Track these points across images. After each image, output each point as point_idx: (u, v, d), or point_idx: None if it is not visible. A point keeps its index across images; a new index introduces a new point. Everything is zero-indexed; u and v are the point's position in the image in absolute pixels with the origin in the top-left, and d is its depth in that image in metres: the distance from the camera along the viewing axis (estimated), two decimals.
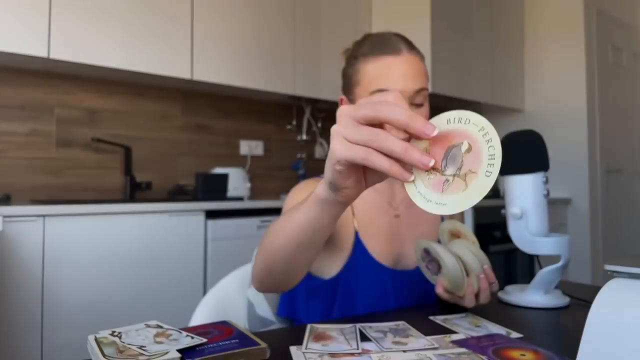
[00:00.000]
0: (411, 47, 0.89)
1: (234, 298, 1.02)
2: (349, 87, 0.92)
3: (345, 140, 0.45)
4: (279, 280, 0.67)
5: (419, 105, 0.87)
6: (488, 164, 0.43)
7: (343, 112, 0.46)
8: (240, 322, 1.02)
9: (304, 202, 0.58)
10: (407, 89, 0.84)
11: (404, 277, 0.91)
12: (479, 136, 0.44)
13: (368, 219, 0.91)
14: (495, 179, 0.43)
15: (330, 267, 0.90)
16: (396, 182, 0.95)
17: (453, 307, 0.84)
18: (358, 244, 0.89)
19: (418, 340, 0.65)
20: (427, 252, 0.79)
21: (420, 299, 0.91)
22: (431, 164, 0.44)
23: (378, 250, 0.90)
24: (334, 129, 0.47)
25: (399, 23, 3.05)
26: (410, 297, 0.90)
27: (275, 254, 0.64)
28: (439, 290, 0.78)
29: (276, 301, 0.98)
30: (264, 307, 0.96)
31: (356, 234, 0.90)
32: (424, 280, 0.89)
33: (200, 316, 0.95)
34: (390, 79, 0.85)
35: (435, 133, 0.43)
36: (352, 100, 0.92)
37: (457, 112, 0.46)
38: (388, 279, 0.89)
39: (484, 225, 2.70)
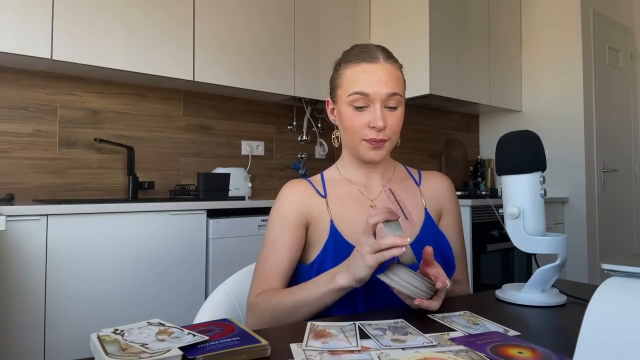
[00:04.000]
0: (389, 56, 0.97)
1: (244, 293, 1.04)
2: (333, 90, 1.02)
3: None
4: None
5: (393, 109, 0.95)
6: None
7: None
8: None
9: (315, 288, 0.85)
10: (380, 92, 0.93)
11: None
12: None
13: (343, 208, 0.98)
14: None
15: (310, 256, 0.97)
16: (373, 177, 1.04)
17: (451, 306, 0.85)
18: (333, 231, 0.95)
19: (417, 337, 0.66)
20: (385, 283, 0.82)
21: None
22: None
23: (353, 236, 0.95)
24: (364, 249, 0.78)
25: (398, 26, 3.06)
26: (382, 282, 0.91)
27: (292, 322, 0.85)
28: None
29: None
30: None
31: (331, 222, 0.96)
32: None
33: (209, 310, 0.98)
34: (366, 82, 0.93)
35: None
36: (335, 102, 1.01)
37: None
38: None
39: (481, 224, 2.70)
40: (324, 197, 1.00)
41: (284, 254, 0.95)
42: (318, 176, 1.06)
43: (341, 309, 0.90)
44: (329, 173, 1.06)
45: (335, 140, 1.05)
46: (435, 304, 0.79)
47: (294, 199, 0.99)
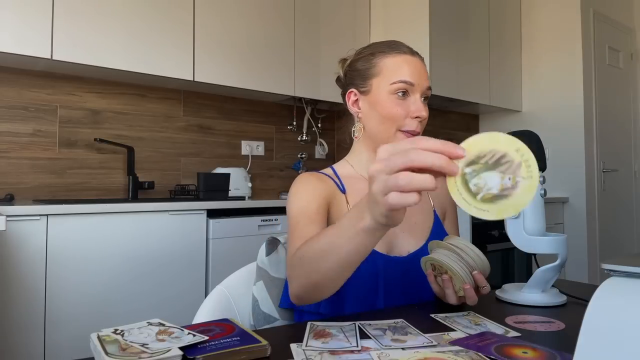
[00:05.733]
0: (419, 55, 1.00)
1: (241, 294, 1.03)
2: (363, 80, 0.98)
3: (390, 190, 0.50)
4: (321, 295, 0.74)
5: (427, 99, 0.98)
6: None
7: (377, 167, 0.52)
8: (246, 317, 1.03)
9: (339, 228, 0.64)
10: (423, 84, 0.95)
11: (396, 264, 0.93)
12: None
13: None
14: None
15: None
16: None
17: (454, 306, 0.84)
18: None
19: (417, 337, 0.66)
20: (434, 266, 0.82)
21: (409, 285, 0.92)
22: (463, 152, 0.48)
23: None
24: (375, 179, 0.52)
25: (398, 25, 3.06)
26: (400, 284, 0.91)
27: (321, 278, 0.69)
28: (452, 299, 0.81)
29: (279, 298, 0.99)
30: (268, 303, 0.97)
31: None
32: (415, 268, 0.91)
33: (206, 312, 0.97)
34: (410, 72, 0.94)
35: (463, 153, 0.48)
36: (364, 92, 0.98)
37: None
38: (380, 263, 0.91)
39: (481, 224, 2.70)
40: (344, 192, 0.97)
41: (320, 217, 0.89)
42: (330, 170, 1.02)
43: (360, 286, 0.89)
44: (341, 168, 1.02)
45: (356, 134, 1.01)
46: (476, 297, 0.77)
47: (318, 183, 0.93)
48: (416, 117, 0.93)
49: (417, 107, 0.93)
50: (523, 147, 0.48)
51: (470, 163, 0.49)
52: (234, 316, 1.01)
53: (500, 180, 0.48)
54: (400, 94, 0.93)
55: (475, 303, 0.78)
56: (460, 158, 0.48)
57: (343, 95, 1.04)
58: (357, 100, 1.00)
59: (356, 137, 1.01)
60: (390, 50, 0.96)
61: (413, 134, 0.94)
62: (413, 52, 0.97)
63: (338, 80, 1.07)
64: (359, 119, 1.00)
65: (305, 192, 0.91)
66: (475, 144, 0.49)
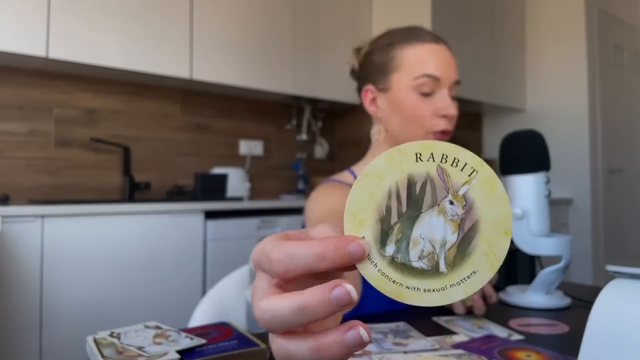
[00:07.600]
0: (444, 41, 0.87)
1: (234, 298, 1.01)
2: (382, 75, 0.86)
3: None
4: None
5: (453, 99, 0.86)
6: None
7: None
8: (240, 322, 1.02)
9: None
10: (451, 77, 0.84)
11: None
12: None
13: None
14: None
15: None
16: None
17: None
18: None
19: (419, 341, 0.65)
20: None
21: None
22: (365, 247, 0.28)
23: None
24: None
25: (400, 23, 3.05)
26: None
27: None
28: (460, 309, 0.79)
29: None
30: None
31: None
32: None
33: (200, 317, 0.95)
34: (435, 65, 0.82)
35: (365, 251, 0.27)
36: (384, 89, 0.87)
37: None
38: None
39: None
40: None
41: None
42: (350, 176, 0.91)
43: (383, 308, 0.87)
44: None
45: (377, 137, 0.90)
46: (484, 307, 0.75)
47: (342, 197, 0.83)
48: (443, 116, 0.82)
49: (445, 104, 0.81)
50: (447, 147, 0.28)
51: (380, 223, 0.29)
52: (227, 320, 0.99)
53: (446, 223, 0.28)
54: (424, 90, 0.82)
55: (483, 312, 0.76)
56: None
57: (358, 90, 0.93)
58: (374, 98, 0.88)
59: (382, 140, 0.90)
60: (410, 39, 0.84)
61: (445, 133, 0.83)
62: (437, 39, 0.85)
63: (353, 72, 0.95)
64: (379, 120, 0.89)
65: (323, 206, 0.82)
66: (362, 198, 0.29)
